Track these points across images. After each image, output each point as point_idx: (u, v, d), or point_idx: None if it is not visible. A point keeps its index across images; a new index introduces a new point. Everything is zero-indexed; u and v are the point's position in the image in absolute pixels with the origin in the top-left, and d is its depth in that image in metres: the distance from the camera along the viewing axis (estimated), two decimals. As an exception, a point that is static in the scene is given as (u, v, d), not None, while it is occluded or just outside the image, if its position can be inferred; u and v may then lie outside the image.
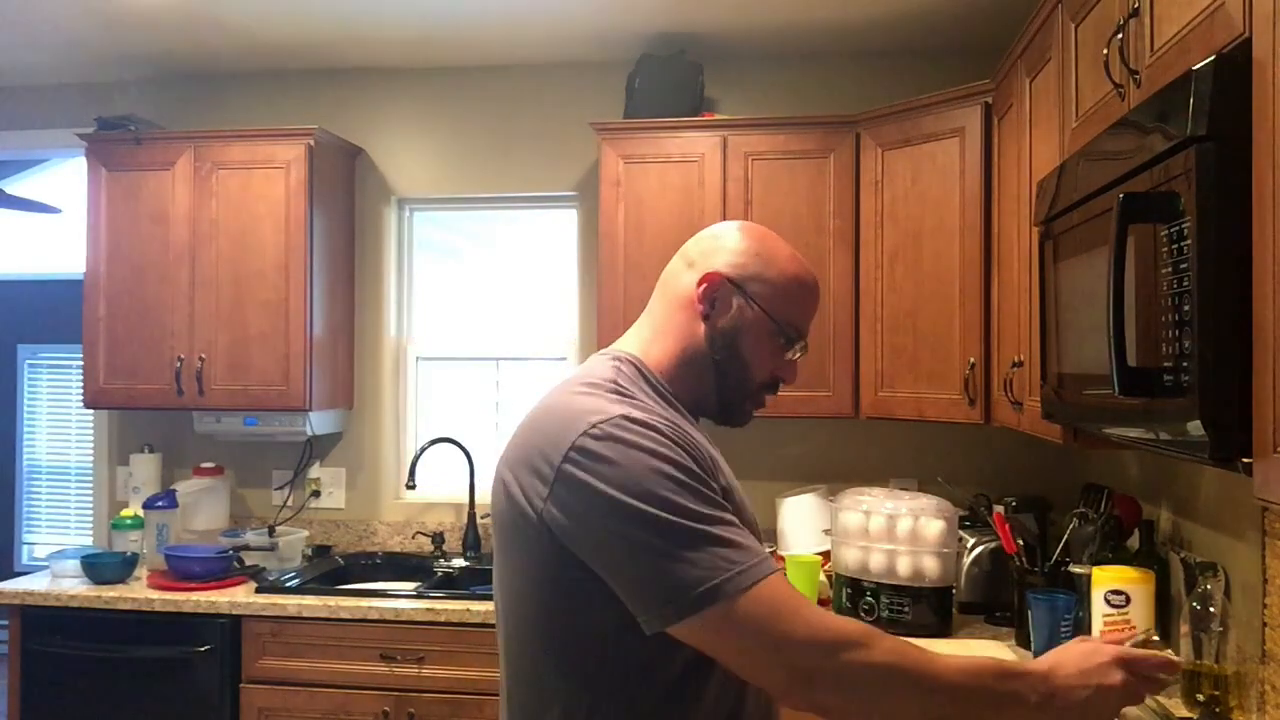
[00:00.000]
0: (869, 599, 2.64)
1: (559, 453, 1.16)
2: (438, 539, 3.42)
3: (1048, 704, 1.15)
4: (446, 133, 3.59)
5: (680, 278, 1.37)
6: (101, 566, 3.08)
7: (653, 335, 1.37)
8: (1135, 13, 1.52)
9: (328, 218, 3.39)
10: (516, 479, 1.22)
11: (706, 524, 1.13)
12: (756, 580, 1.12)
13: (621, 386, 1.26)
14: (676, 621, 1.12)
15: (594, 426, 1.16)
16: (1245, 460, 1.15)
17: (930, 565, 2.59)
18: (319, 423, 3.39)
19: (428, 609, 2.83)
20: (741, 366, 1.34)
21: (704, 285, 1.33)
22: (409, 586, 3.07)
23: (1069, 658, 1.20)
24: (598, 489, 1.13)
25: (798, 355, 1.38)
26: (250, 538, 3.28)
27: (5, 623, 3.12)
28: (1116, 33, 1.58)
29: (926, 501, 2.66)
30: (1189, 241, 1.18)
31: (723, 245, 1.36)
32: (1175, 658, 1.30)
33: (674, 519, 1.12)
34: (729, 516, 1.16)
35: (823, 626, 1.12)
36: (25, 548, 5.84)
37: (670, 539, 1.11)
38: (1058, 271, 1.82)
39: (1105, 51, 1.63)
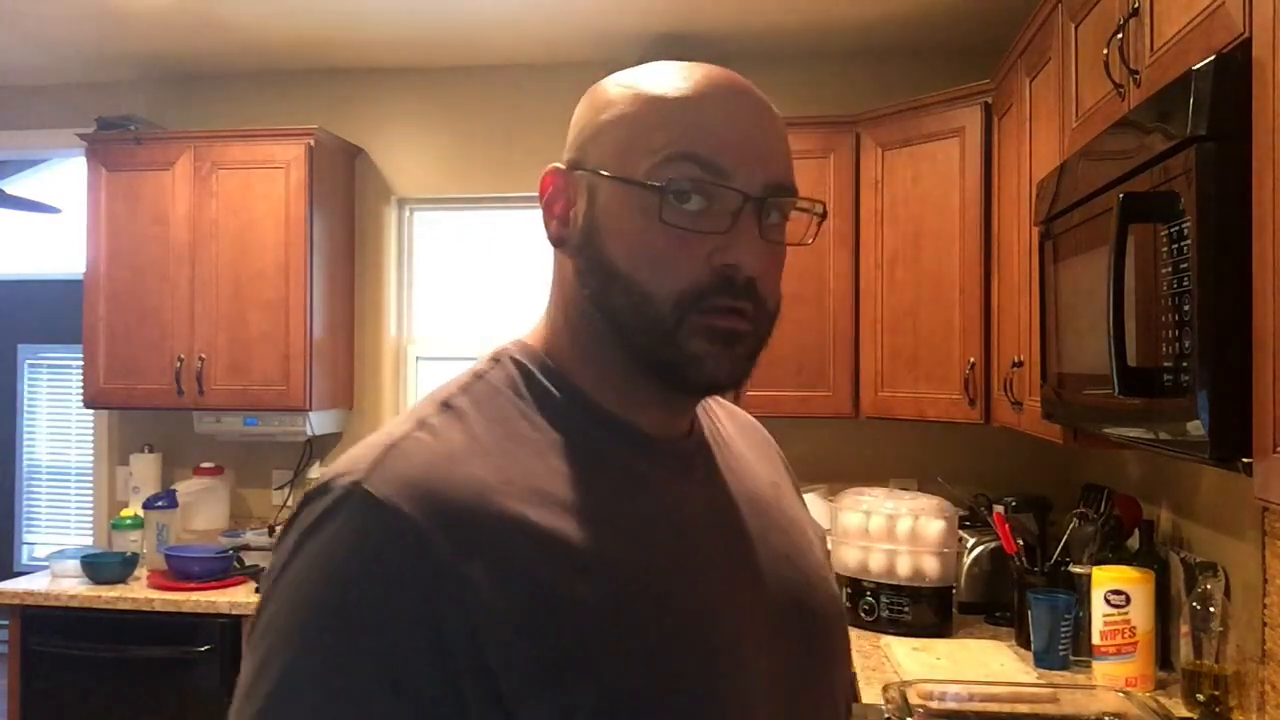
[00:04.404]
0: (869, 599, 2.64)
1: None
2: (438, 539, 3.42)
3: None
4: (446, 133, 3.58)
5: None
6: (101, 566, 3.08)
7: (546, 308, 0.90)
8: (1135, 13, 1.52)
9: (328, 218, 3.39)
10: None
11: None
12: None
13: (449, 407, 0.77)
14: None
15: (303, 504, 0.72)
16: (1245, 460, 1.15)
17: (930, 565, 2.59)
18: (319, 423, 3.39)
19: (428, 609, 2.83)
20: (627, 286, 0.77)
21: (543, 195, 0.87)
22: (409, 586, 3.07)
23: None
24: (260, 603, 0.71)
25: (700, 205, 0.76)
26: (250, 538, 3.28)
27: (5, 623, 3.11)
28: (1116, 33, 1.58)
29: (926, 501, 2.66)
30: (1189, 241, 1.18)
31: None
32: None
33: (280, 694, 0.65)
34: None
35: None
36: (25, 548, 5.84)
37: None
38: (1058, 271, 1.82)
39: (1105, 51, 1.63)
